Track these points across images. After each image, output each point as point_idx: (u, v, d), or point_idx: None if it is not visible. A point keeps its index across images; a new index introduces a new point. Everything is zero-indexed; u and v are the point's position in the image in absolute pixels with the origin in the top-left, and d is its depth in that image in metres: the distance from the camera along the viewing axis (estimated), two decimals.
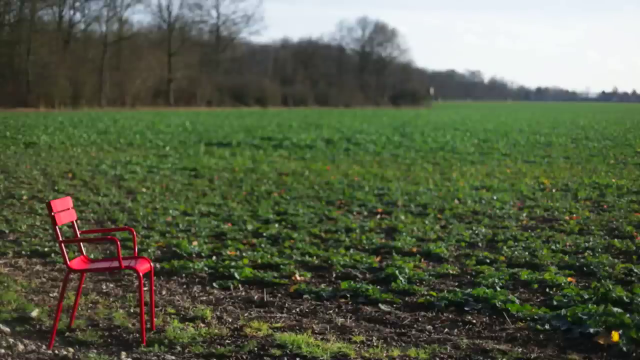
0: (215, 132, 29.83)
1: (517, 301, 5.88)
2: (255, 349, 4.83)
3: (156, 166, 16.86)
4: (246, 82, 77.90)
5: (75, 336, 5.06)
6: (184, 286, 6.60)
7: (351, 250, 8.00)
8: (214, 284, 6.61)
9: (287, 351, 4.77)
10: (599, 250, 7.94)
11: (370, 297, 6.12)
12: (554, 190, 13.06)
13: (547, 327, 5.28)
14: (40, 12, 60.49)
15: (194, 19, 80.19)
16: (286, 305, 6.00)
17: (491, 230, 9.16)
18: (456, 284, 6.70)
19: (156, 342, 4.93)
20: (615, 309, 5.26)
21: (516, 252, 7.80)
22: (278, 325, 5.38)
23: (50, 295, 6.18)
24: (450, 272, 7.05)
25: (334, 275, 7.01)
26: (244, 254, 7.70)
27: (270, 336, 5.07)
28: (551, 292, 6.31)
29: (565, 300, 5.90)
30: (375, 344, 4.97)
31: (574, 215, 10.33)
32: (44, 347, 4.83)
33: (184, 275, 6.94)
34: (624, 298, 5.80)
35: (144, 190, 12.89)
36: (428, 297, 6.09)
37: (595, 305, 5.47)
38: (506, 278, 6.69)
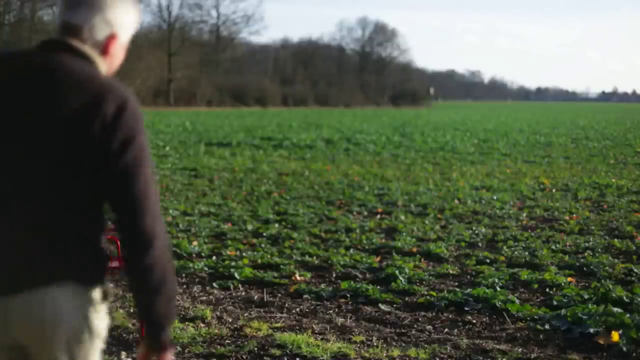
0: (215, 132, 29.83)
1: (517, 301, 5.88)
2: (255, 349, 4.83)
3: (156, 166, 16.85)
4: (246, 82, 77.89)
5: None
6: (184, 286, 6.59)
7: (351, 250, 8.00)
8: (214, 284, 6.61)
9: (287, 351, 4.77)
10: (599, 250, 7.94)
11: (370, 297, 6.12)
12: (554, 190, 13.06)
13: (547, 327, 5.28)
14: (40, 12, 60.53)
15: (194, 19, 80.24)
16: (286, 305, 5.99)
17: (491, 230, 9.16)
18: (456, 284, 6.69)
19: None
20: (615, 309, 5.27)
21: (516, 252, 7.80)
22: (278, 325, 5.38)
23: None
24: (450, 272, 7.05)
25: (334, 275, 7.01)
26: (244, 254, 7.69)
27: (270, 336, 5.07)
28: (551, 292, 6.31)
29: (565, 300, 5.89)
30: (375, 344, 4.97)
31: (574, 215, 10.33)
32: None
33: (184, 275, 6.94)
34: (624, 298, 5.80)
35: None
36: (428, 297, 6.09)
37: (595, 305, 5.47)
38: (506, 278, 6.69)
